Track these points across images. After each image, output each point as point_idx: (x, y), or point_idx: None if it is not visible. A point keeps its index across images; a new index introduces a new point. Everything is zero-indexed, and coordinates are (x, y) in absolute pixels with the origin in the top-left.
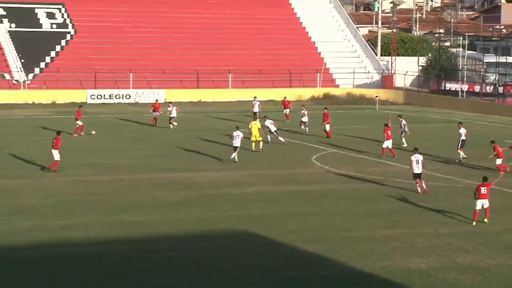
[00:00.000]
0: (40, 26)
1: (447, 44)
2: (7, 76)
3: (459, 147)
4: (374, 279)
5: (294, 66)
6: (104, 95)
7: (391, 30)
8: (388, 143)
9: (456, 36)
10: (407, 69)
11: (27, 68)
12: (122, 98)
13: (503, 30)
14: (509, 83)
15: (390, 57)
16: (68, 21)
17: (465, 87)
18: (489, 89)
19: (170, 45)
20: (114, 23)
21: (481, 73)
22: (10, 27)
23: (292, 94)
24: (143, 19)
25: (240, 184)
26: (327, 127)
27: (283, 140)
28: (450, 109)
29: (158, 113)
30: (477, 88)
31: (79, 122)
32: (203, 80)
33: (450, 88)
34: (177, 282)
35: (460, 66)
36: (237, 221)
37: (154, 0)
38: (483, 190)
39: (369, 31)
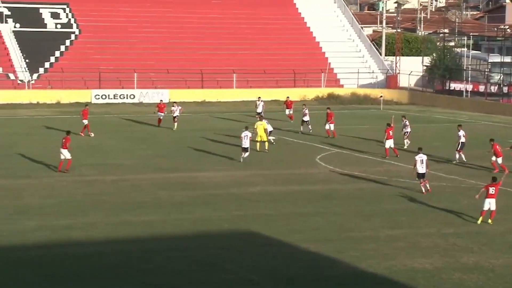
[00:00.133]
0: (45, 26)
1: (452, 44)
2: (11, 76)
3: (457, 149)
4: (378, 279)
5: (298, 66)
6: (109, 95)
7: (395, 30)
8: (389, 143)
9: (460, 36)
10: (411, 69)
11: (32, 68)
12: (127, 98)
13: (508, 30)
14: None
15: (394, 57)
16: (72, 21)
17: (470, 87)
18: (494, 89)
19: (175, 45)
20: (118, 23)
21: (486, 73)
22: (15, 27)
23: (296, 94)
24: (147, 19)
25: (244, 184)
26: (332, 126)
27: (272, 140)
28: (454, 109)
29: (162, 113)
30: (481, 88)
31: (85, 121)
32: (207, 80)
33: (454, 88)
34: (179, 282)
35: (465, 66)
36: (241, 221)
37: (158, 0)
38: (492, 190)
39: (374, 31)
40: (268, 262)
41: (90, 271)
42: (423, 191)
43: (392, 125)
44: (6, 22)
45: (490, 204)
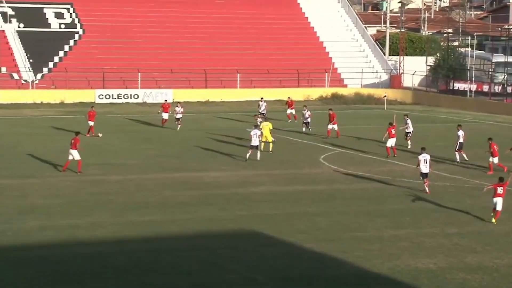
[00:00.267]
0: (49, 26)
1: (456, 43)
2: (15, 76)
3: (456, 149)
4: (382, 279)
5: (302, 66)
6: (112, 95)
7: (399, 30)
8: (391, 142)
9: (464, 35)
10: (415, 68)
11: (36, 68)
12: (130, 98)
13: None
14: None
15: (398, 57)
16: (76, 21)
17: (474, 87)
18: (498, 89)
19: (178, 45)
20: (122, 23)
21: (490, 72)
22: (19, 27)
23: (300, 94)
24: (151, 19)
25: (249, 183)
26: (335, 127)
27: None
28: (458, 109)
29: (167, 113)
30: (485, 88)
31: (91, 123)
32: (211, 80)
33: (458, 88)
34: (184, 282)
35: (469, 66)
36: (245, 220)
37: (162, 0)
38: (500, 190)
39: (378, 31)
40: (272, 262)
41: (95, 270)
42: (427, 190)
43: (394, 124)
44: (10, 22)
45: (497, 203)
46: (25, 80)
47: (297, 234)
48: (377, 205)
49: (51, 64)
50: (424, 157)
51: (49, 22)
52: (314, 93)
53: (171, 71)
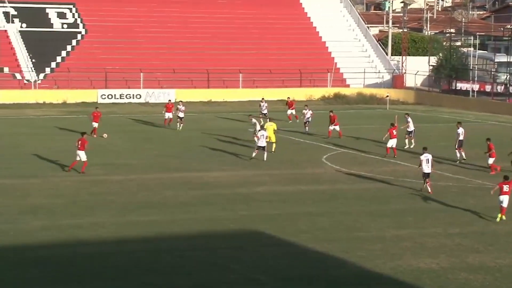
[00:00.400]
0: (51, 26)
1: (458, 43)
2: (18, 76)
3: (457, 147)
4: (384, 279)
5: (304, 65)
6: (115, 95)
7: (401, 30)
8: (392, 142)
9: (467, 35)
10: (417, 68)
11: (38, 68)
12: (133, 98)
13: None
14: None
15: (400, 57)
16: (79, 21)
17: (476, 87)
18: (500, 88)
19: (181, 45)
20: (124, 23)
21: (492, 72)
22: (21, 27)
23: (302, 94)
24: (153, 19)
25: (251, 183)
26: (337, 128)
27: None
28: (461, 109)
29: (170, 113)
30: (488, 87)
31: (95, 124)
32: (213, 79)
33: (461, 87)
34: (185, 282)
35: (471, 65)
36: (247, 220)
37: (165, 0)
38: (506, 188)
39: (380, 31)
40: (275, 262)
41: (97, 270)
42: (429, 190)
43: (396, 124)
44: (13, 22)
45: (503, 201)
46: (27, 80)
47: (299, 234)
48: (379, 205)
49: (53, 64)
50: (426, 157)
51: (51, 22)
52: (317, 93)
53: (173, 71)
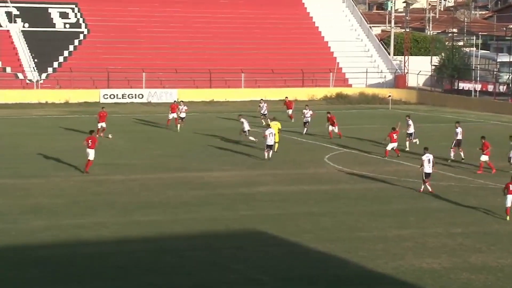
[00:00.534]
0: (54, 25)
1: (460, 43)
2: (20, 75)
3: (452, 146)
4: (386, 279)
5: (306, 65)
6: (117, 94)
7: (404, 30)
8: (392, 146)
9: (469, 35)
10: (420, 68)
11: (40, 67)
12: (135, 98)
13: None
14: None
15: (403, 57)
16: (81, 20)
17: (478, 87)
18: (503, 88)
19: (183, 44)
20: (127, 22)
21: (495, 72)
22: (24, 26)
23: (304, 93)
24: (156, 18)
25: (253, 183)
26: (336, 129)
27: (254, 139)
28: (463, 109)
29: (175, 113)
30: (490, 87)
31: (102, 124)
32: (215, 79)
33: (463, 87)
34: (187, 282)
35: (473, 65)
36: (249, 220)
37: (167, 0)
38: None
39: (382, 31)
40: (277, 262)
41: (97, 270)
42: (430, 189)
43: (397, 129)
44: (15, 22)
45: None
46: (29, 80)
47: (301, 234)
48: (381, 205)
49: (55, 64)
50: (428, 157)
51: (54, 22)
52: (319, 93)
53: (175, 71)
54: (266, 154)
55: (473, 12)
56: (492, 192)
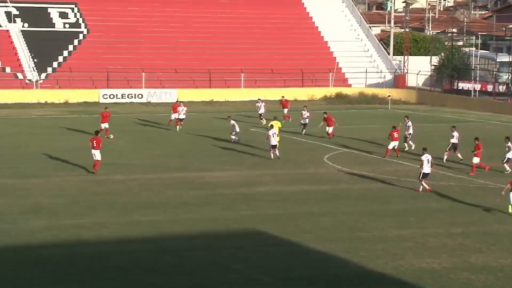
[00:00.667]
0: (53, 25)
1: (460, 43)
2: (20, 75)
3: (447, 149)
4: (386, 279)
5: (306, 65)
6: (117, 94)
7: (403, 30)
8: (393, 144)
9: (469, 35)
10: (419, 68)
11: (40, 67)
12: (135, 98)
13: None
14: None
15: (402, 57)
16: (80, 20)
17: (478, 87)
18: (502, 88)
19: (183, 44)
20: (126, 22)
21: (494, 72)
22: (23, 26)
23: (304, 93)
24: (155, 18)
25: (253, 183)
26: (331, 129)
27: (236, 138)
28: (462, 109)
29: (177, 114)
30: (490, 87)
31: (105, 125)
32: (215, 79)
33: (462, 87)
34: (187, 282)
35: (473, 65)
36: (249, 220)
37: (167, 0)
38: None
39: (382, 31)
40: (277, 262)
41: (97, 270)
42: (427, 187)
43: (398, 128)
44: (15, 21)
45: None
46: (29, 80)
47: (301, 234)
48: (381, 205)
49: (55, 64)
50: (427, 157)
51: (53, 21)
52: (318, 93)
53: (175, 71)
54: (272, 155)
55: (472, 12)
56: (492, 192)
